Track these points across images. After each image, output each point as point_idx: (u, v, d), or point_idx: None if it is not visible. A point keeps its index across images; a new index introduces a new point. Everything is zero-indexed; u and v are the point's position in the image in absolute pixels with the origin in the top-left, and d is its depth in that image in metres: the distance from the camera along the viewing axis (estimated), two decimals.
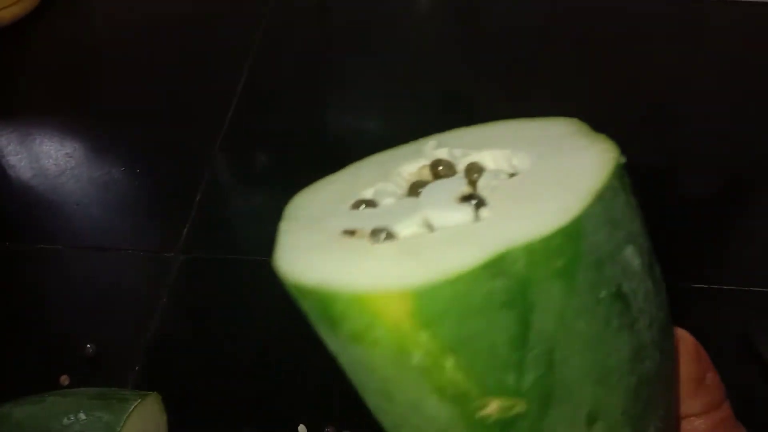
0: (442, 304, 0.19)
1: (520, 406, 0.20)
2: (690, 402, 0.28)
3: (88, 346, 0.61)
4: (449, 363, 0.19)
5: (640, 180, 0.73)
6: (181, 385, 0.59)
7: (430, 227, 0.21)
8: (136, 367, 0.61)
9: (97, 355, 0.61)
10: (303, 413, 0.57)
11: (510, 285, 0.18)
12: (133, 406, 0.44)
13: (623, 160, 0.22)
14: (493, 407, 0.20)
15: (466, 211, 0.21)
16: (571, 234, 0.19)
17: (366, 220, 0.23)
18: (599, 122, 0.83)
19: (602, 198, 0.20)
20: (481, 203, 0.21)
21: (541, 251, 0.19)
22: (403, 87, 0.84)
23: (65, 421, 0.43)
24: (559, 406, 0.20)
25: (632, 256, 0.21)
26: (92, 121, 0.83)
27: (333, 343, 0.22)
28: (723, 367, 0.59)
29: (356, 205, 0.25)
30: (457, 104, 0.82)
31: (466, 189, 0.23)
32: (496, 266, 0.18)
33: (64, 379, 0.59)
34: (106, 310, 0.65)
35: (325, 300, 0.20)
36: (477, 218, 0.21)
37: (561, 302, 0.19)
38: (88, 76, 0.89)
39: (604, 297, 0.20)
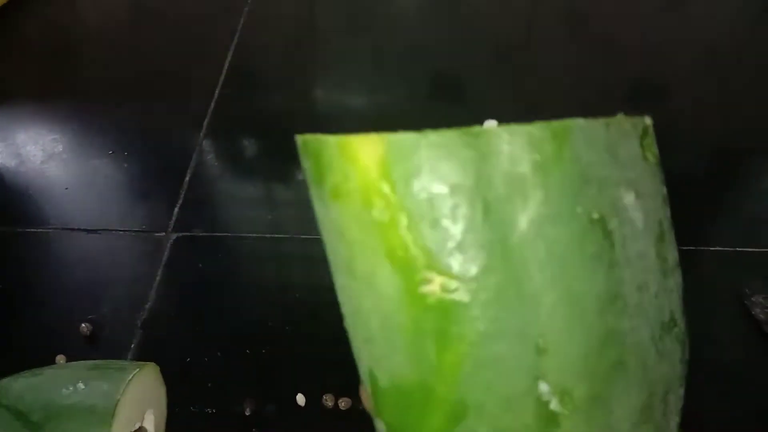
0: (410, 158, 0.19)
1: (461, 293, 0.19)
2: None
3: (83, 325, 0.61)
4: (403, 221, 0.19)
5: None
6: (178, 359, 0.60)
7: None
8: (132, 345, 0.61)
9: (92, 334, 0.61)
10: (301, 383, 0.57)
11: (476, 157, 0.18)
12: (131, 375, 0.44)
13: (648, 122, 0.22)
14: (435, 285, 0.19)
15: None
16: (557, 133, 0.19)
17: None
18: (587, 97, 0.85)
19: (607, 127, 0.20)
20: None
21: (522, 136, 0.19)
22: (390, 65, 0.85)
23: (64, 391, 0.43)
24: (507, 314, 0.19)
25: (631, 205, 0.20)
26: (79, 106, 0.82)
27: (320, 208, 0.22)
28: (715, 328, 0.60)
29: None
30: (446, 82, 0.82)
31: None
32: (473, 138, 0.18)
33: (60, 358, 0.59)
34: (100, 290, 0.65)
35: (317, 151, 0.21)
36: None
37: (531, 196, 0.19)
38: (73, 61, 0.88)
39: (581, 214, 0.19)
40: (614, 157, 0.20)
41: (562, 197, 0.19)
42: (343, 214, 0.20)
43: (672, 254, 0.22)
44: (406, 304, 0.20)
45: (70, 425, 0.42)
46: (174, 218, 0.69)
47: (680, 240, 0.68)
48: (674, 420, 0.22)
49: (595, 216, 0.19)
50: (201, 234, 0.68)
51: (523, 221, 0.19)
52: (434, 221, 0.19)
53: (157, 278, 0.65)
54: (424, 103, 0.79)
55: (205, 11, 0.92)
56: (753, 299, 0.61)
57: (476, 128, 0.19)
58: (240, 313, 0.62)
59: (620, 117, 0.20)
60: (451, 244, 0.19)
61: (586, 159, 0.19)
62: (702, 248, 0.65)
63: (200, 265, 0.67)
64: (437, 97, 0.80)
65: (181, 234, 0.68)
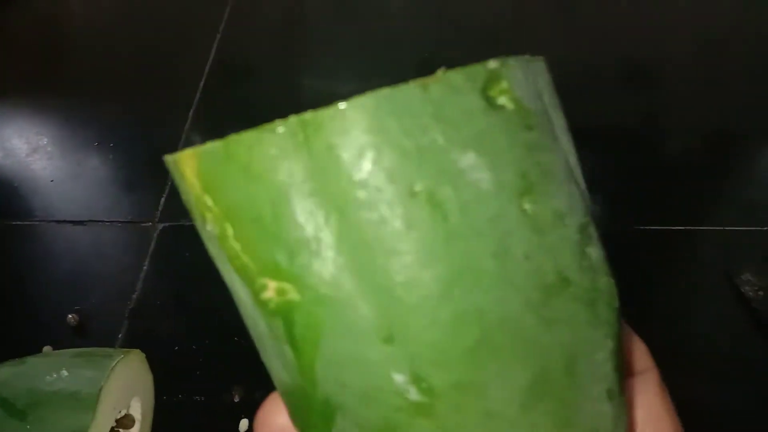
0: (219, 166, 0.18)
1: (293, 294, 0.18)
2: None
3: (70, 316, 0.61)
4: (229, 231, 0.19)
5: (619, 134, 0.73)
6: (166, 349, 0.59)
7: None
8: (120, 335, 0.60)
9: (79, 325, 0.61)
10: None
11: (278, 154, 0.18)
12: (115, 362, 0.44)
13: (493, 65, 0.19)
14: (271, 290, 0.19)
15: None
16: (307, 124, 0.18)
17: None
18: (576, 83, 0.84)
19: (424, 89, 0.18)
20: None
21: (315, 119, 0.18)
22: (379, 53, 0.84)
23: (48, 378, 0.43)
24: (342, 308, 0.18)
25: (470, 166, 0.18)
26: (63, 98, 0.82)
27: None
28: (706, 306, 0.60)
29: None
30: (434, 69, 0.82)
31: None
32: (236, 146, 0.18)
33: (47, 350, 0.58)
34: (87, 281, 0.65)
35: (172, 171, 0.20)
36: None
37: (334, 173, 0.18)
38: (57, 53, 0.88)
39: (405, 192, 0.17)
40: (439, 119, 0.18)
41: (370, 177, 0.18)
42: (198, 229, 0.20)
43: (550, 206, 0.19)
44: (258, 312, 0.19)
45: (54, 412, 0.41)
46: (160, 208, 0.69)
47: (673, 220, 0.68)
48: (599, 386, 0.20)
49: (417, 188, 0.17)
50: (188, 224, 0.68)
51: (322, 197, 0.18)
52: (251, 224, 0.18)
53: (144, 268, 0.65)
54: None
55: (190, 1, 0.91)
56: (742, 277, 0.61)
57: (247, 135, 0.18)
58: (228, 302, 0.62)
59: (445, 73, 0.18)
60: (275, 246, 0.18)
61: (395, 131, 0.18)
62: (693, 228, 0.65)
63: (187, 255, 0.66)
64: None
65: (167, 224, 0.68)
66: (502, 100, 0.18)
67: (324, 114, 0.18)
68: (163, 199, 0.70)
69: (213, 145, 0.18)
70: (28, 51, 0.88)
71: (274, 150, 0.18)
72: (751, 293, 0.60)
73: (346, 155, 0.17)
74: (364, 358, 0.18)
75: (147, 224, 0.68)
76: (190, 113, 0.77)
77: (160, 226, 0.68)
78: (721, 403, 0.54)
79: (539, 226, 0.18)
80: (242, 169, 0.18)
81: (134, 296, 0.63)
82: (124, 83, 0.82)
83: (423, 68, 0.75)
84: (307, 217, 0.18)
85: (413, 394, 0.18)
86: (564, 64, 0.79)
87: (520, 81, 0.19)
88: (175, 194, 0.70)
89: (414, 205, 0.17)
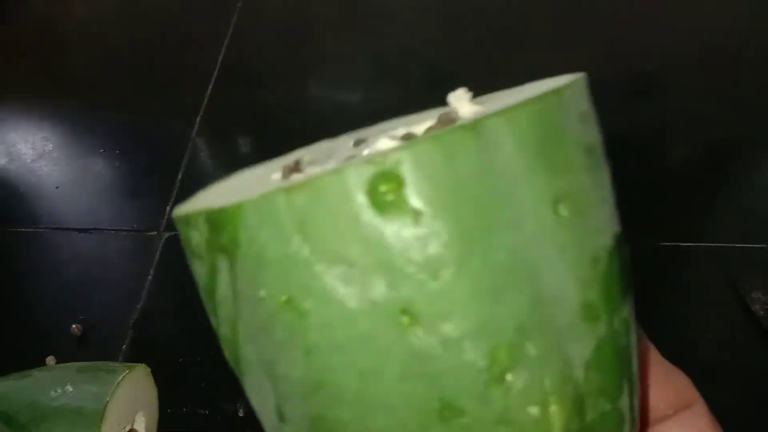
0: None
1: (224, 347, 0.21)
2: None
3: (74, 326, 0.60)
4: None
5: (625, 146, 0.73)
6: (171, 360, 0.59)
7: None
8: (124, 346, 0.60)
9: (83, 335, 0.60)
10: None
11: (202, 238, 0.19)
12: (120, 377, 0.43)
13: (390, 163, 0.17)
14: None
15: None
16: (217, 222, 0.18)
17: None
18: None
19: (288, 195, 0.17)
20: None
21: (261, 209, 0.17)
22: (387, 59, 0.84)
23: (52, 393, 0.42)
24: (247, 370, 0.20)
25: (340, 280, 0.17)
26: (69, 104, 0.81)
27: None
28: (711, 321, 0.60)
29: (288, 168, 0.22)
30: (442, 76, 0.81)
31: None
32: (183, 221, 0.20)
33: (50, 360, 0.58)
34: (91, 291, 0.64)
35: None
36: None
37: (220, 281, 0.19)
38: (63, 57, 0.87)
39: (264, 297, 0.18)
40: (305, 233, 0.16)
41: (245, 280, 0.18)
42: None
43: (441, 331, 0.17)
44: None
45: (57, 428, 0.41)
46: (166, 217, 0.69)
47: (676, 236, 0.68)
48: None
49: (283, 299, 0.17)
50: None
51: (224, 302, 0.20)
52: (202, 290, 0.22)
53: (149, 278, 0.64)
54: (420, 98, 0.78)
55: (198, 5, 0.91)
56: (752, 295, 0.61)
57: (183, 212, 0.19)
58: None
59: (321, 176, 0.16)
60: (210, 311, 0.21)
61: (260, 242, 0.17)
62: (699, 244, 0.64)
63: None
64: (434, 91, 0.79)
65: (173, 233, 0.68)
66: (391, 205, 0.16)
67: (221, 211, 0.18)
68: (168, 208, 0.69)
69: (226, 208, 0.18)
70: (34, 56, 0.88)
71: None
72: (761, 312, 0.59)
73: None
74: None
75: (152, 233, 0.68)
76: (197, 120, 0.77)
77: (166, 234, 0.67)
78: (732, 421, 0.54)
79: (423, 350, 0.17)
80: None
81: (139, 306, 0.63)
82: (131, 89, 0.82)
83: (431, 76, 0.75)
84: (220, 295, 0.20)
85: None
86: (570, 74, 0.78)
87: (427, 171, 0.16)
88: (181, 202, 0.70)
89: (281, 314, 0.17)
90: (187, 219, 0.19)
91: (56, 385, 0.43)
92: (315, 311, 0.17)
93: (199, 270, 0.20)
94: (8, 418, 0.41)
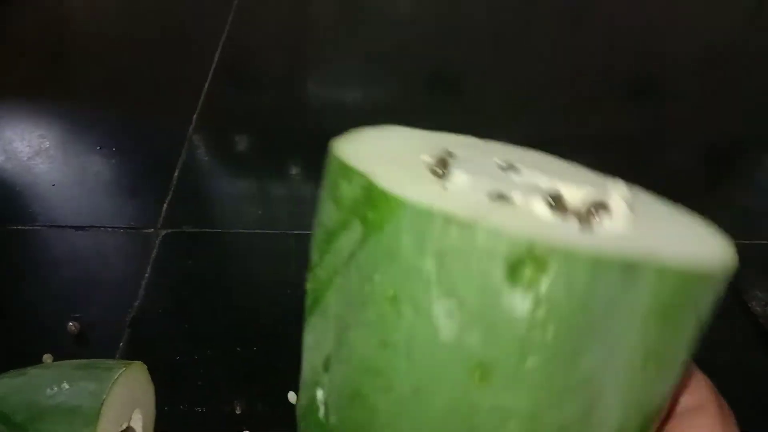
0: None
1: (311, 282, 0.22)
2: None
3: (71, 324, 0.60)
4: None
5: (624, 145, 0.72)
6: (168, 358, 0.59)
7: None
8: (121, 343, 0.60)
9: (80, 333, 0.60)
10: (292, 381, 0.56)
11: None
12: (117, 374, 0.43)
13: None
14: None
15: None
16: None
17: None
18: (586, 94, 0.84)
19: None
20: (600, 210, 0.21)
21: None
22: (384, 59, 0.84)
23: (48, 391, 0.42)
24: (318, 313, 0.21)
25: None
26: (66, 102, 0.81)
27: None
28: (714, 322, 0.59)
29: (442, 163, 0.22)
30: (441, 75, 0.81)
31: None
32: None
33: (47, 358, 0.58)
34: (88, 288, 0.64)
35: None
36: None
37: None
38: (61, 56, 0.87)
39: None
40: (440, 260, 0.19)
41: (368, 258, 0.20)
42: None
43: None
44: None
45: (54, 426, 0.41)
46: (163, 215, 0.68)
47: None
48: None
49: (390, 293, 0.19)
50: (190, 230, 0.68)
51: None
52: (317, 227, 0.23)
53: (146, 275, 0.64)
54: (419, 97, 0.78)
55: (195, 4, 0.90)
56: (751, 293, 0.61)
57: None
58: (230, 311, 0.61)
59: (479, 224, 0.18)
60: (315, 248, 0.23)
61: (400, 242, 0.19)
62: None
63: (190, 262, 0.66)
64: (433, 90, 0.79)
65: (170, 230, 0.67)
66: (526, 276, 0.18)
67: (383, 195, 0.19)
68: (165, 205, 0.69)
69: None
70: (31, 54, 0.87)
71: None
72: (759, 309, 0.59)
73: None
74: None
75: (149, 230, 0.67)
76: (194, 118, 0.77)
77: (163, 232, 0.67)
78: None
79: (475, 404, 0.19)
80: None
81: (136, 304, 0.62)
82: (128, 87, 0.81)
83: (430, 75, 0.75)
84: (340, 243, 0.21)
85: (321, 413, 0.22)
86: (572, 76, 0.79)
87: (569, 276, 0.18)
88: (177, 200, 0.70)
89: (382, 303, 0.19)
90: (347, 170, 0.20)
91: (52, 383, 0.42)
92: (410, 320, 0.18)
93: (332, 213, 0.21)
94: (4, 417, 0.41)
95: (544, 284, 0.17)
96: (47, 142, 0.76)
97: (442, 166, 0.22)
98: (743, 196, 0.70)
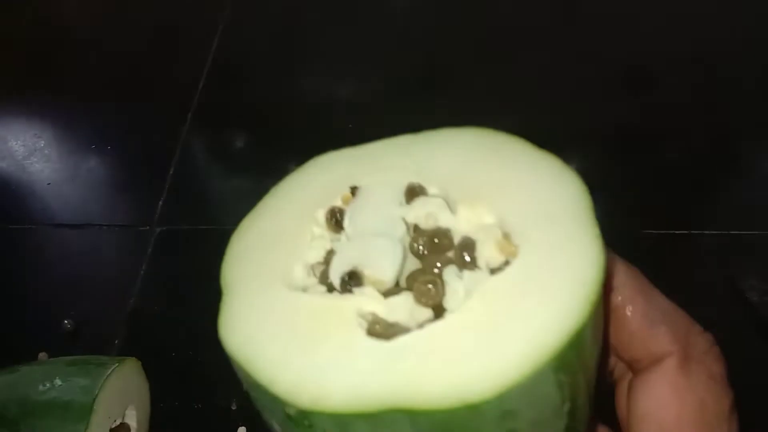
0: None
1: None
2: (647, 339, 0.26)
3: (66, 322, 0.60)
4: None
5: (622, 137, 0.72)
6: (163, 355, 0.58)
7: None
8: (116, 341, 0.60)
9: (75, 331, 0.60)
10: None
11: None
12: (110, 370, 0.43)
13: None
14: None
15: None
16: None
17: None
18: (581, 85, 0.83)
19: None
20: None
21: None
22: (378, 55, 0.83)
23: (41, 387, 0.42)
24: None
25: None
26: (60, 100, 0.81)
27: None
28: (708, 308, 0.59)
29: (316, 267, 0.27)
30: (435, 70, 0.81)
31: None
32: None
33: (43, 356, 0.58)
34: (83, 286, 0.64)
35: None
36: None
37: None
38: (54, 54, 0.87)
39: None
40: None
41: None
42: None
43: None
44: None
45: (46, 422, 0.41)
46: (158, 212, 0.68)
47: (674, 224, 0.67)
48: None
49: None
50: (185, 227, 0.67)
51: None
52: None
53: (142, 273, 0.64)
54: (413, 93, 0.78)
55: (189, 1, 0.90)
56: (747, 282, 0.60)
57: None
58: None
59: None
60: None
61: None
62: (696, 232, 0.64)
63: (185, 259, 0.65)
64: (427, 85, 0.79)
65: (165, 227, 0.67)
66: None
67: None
68: (160, 203, 0.69)
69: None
70: (26, 52, 0.87)
71: None
72: (756, 298, 0.59)
73: None
74: None
75: (144, 228, 0.67)
76: (189, 115, 0.77)
77: (158, 229, 0.67)
78: None
79: None
80: None
81: (131, 301, 0.62)
82: (122, 85, 0.81)
83: (424, 70, 0.74)
84: None
85: None
86: (566, 69, 0.78)
87: None
88: (172, 198, 0.70)
89: None
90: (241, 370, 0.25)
91: (45, 379, 0.43)
92: None
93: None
94: None
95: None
96: (42, 141, 0.76)
97: (333, 221, 0.27)
98: (739, 187, 0.69)
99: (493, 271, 0.25)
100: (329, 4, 0.90)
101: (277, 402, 0.23)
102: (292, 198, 0.29)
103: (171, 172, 0.72)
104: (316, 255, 0.27)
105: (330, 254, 0.27)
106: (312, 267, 0.27)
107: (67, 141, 0.76)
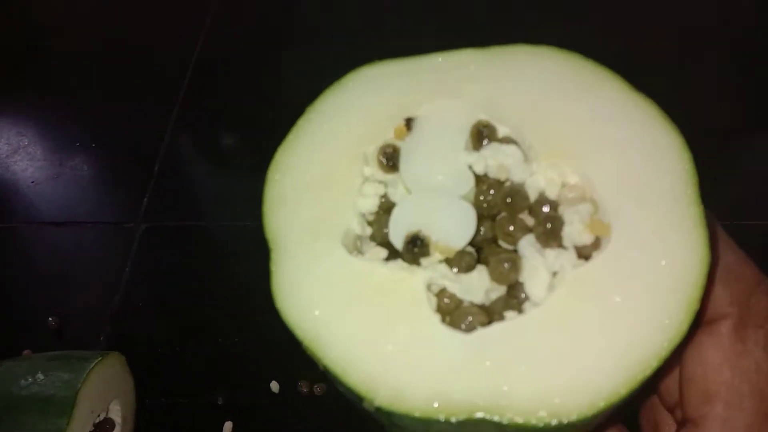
0: None
1: None
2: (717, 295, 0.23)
3: (50, 319, 0.60)
4: None
5: None
6: (149, 351, 0.58)
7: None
8: (101, 338, 0.59)
9: (60, 328, 0.60)
10: (274, 370, 0.56)
11: None
12: (93, 364, 0.43)
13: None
14: None
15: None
16: None
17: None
18: None
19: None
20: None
21: None
22: (366, 50, 0.82)
23: (23, 382, 0.42)
24: None
25: None
26: (44, 98, 0.80)
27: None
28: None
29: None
30: None
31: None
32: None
33: (27, 354, 0.57)
34: (69, 284, 0.64)
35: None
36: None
37: None
38: (37, 52, 0.86)
39: None
40: None
41: None
42: None
43: None
44: None
45: (29, 416, 0.40)
46: (143, 209, 0.68)
47: None
48: None
49: None
50: (170, 224, 0.67)
51: None
52: None
53: (127, 270, 0.64)
54: None
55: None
56: None
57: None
58: (211, 303, 0.61)
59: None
60: None
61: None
62: None
63: (170, 255, 0.65)
64: None
65: (150, 224, 0.67)
66: None
67: None
68: (145, 200, 0.69)
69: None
70: (8, 51, 0.86)
71: None
72: None
73: None
74: None
75: (129, 225, 0.67)
76: (174, 111, 0.76)
77: (143, 226, 0.67)
78: None
79: None
80: None
81: (116, 298, 0.62)
82: (107, 82, 0.81)
83: None
84: None
85: None
86: None
87: None
88: (158, 194, 0.69)
89: None
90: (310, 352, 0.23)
91: (27, 374, 0.42)
92: None
93: None
94: None
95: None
96: (26, 140, 0.75)
97: (386, 162, 0.23)
98: (723, 179, 0.69)
99: (580, 251, 0.22)
100: (316, 1, 0.90)
101: (352, 393, 0.21)
102: (335, 127, 0.26)
103: (156, 169, 0.71)
104: (371, 204, 0.24)
105: (385, 202, 0.24)
106: (365, 217, 0.24)
107: (51, 139, 0.76)
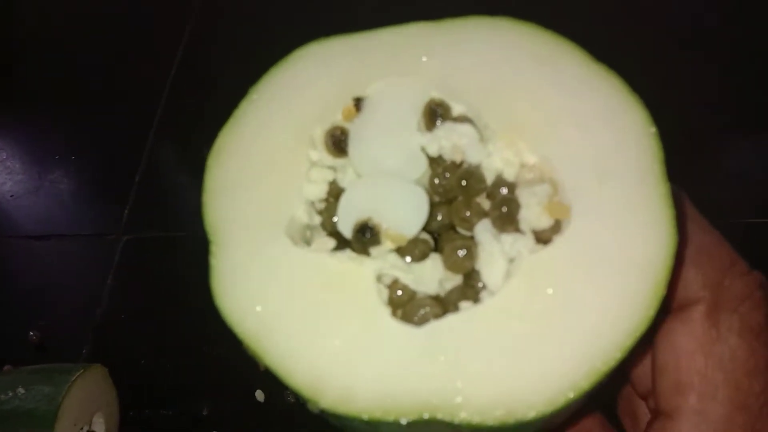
0: None
1: None
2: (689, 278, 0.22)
3: (32, 333, 0.59)
4: None
5: None
6: (132, 363, 0.58)
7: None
8: (84, 351, 0.59)
9: (42, 342, 0.59)
10: (259, 380, 0.56)
11: None
12: (74, 377, 0.43)
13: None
14: None
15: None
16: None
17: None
18: None
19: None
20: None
21: None
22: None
23: (3, 396, 0.41)
24: None
25: None
26: (22, 111, 0.80)
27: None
28: None
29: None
30: None
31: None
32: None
33: (8, 370, 0.57)
34: (49, 297, 0.63)
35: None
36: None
37: None
38: (14, 64, 0.86)
39: None
40: None
41: None
42: None
43: None
44: None
45: (11, 430, 0.40)
46: (124, 220, 0.68)
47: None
48: None
49: None
50: (152, 235, 0.67)
51: None
52: None
53: (109, 282, 0.63)
54: None
55: (153, 6, 0.89)
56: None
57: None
58: (194, 313, 0.60)
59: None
60: None
61: None
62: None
63: (152, 267, 0.65)
64: None
65: (132, 236, 0.67)
66: None
67: None
68: (126, 211, 0.68)
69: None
70: None
71: None
72: None
73: None
74: None
75: (111, 236, 0.67)
76: (154, 123, 0.76)
77: (124, 238, 0.66)
78: None
79: None
80: None
81: (99, 311, 0.61)
82: (85, 94, 0.80)
83: None
84: None
85: None
86: None
87: None
88: (138, 206, 0.69)
89: None
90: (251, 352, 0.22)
91: (8, 388, 0.42)
92: None
93: None
94: None
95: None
96: (4, 153, 0.75)
97: (335, 145, 0.21)
98: (699, 180, 0.70)
99: (539, 236, 0.20)
100: (296, 10, 0.90)
101: (298, 395, 0.20)
102: (279, 108, 0.24)
103: (137, 180, 0.71)
104: (318, 191, 0.22)
105: (334, 189, 0.22)
106: (314, 205, 0.22)
107: (30, 152, 0.75)
